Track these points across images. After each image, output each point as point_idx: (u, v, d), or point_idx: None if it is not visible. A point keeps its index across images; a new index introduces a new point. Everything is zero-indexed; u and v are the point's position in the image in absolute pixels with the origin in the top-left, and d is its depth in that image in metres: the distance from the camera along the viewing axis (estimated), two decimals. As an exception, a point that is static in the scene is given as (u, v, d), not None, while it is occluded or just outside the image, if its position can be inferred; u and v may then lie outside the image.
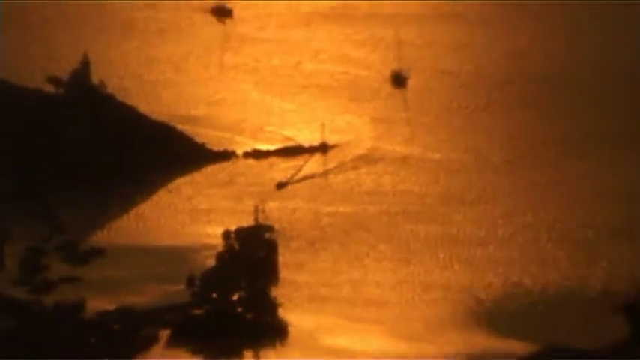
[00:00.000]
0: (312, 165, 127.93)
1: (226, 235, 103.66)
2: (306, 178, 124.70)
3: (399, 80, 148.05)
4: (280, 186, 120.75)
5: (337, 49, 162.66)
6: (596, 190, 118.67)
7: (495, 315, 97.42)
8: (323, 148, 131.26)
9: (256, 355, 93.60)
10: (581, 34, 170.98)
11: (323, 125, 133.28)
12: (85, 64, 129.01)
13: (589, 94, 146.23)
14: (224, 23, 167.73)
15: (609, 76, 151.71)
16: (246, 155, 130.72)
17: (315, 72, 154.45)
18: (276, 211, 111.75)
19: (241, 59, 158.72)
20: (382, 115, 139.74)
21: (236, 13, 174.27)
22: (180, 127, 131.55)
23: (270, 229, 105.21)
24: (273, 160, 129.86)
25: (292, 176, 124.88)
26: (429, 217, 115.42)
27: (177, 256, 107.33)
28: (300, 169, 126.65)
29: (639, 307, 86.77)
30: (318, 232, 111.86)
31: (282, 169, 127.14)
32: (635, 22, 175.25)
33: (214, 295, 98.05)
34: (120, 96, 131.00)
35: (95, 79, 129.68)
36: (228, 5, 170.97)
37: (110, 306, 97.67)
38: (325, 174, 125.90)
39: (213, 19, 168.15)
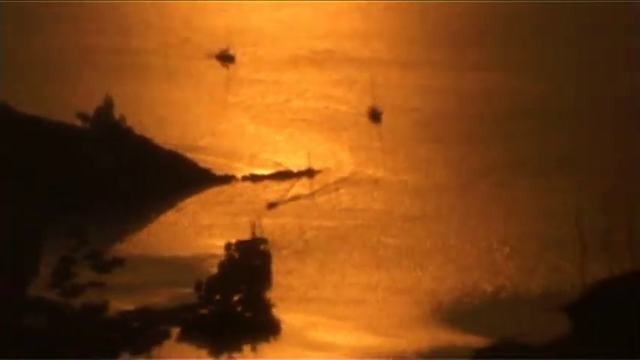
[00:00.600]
0: (300, 187, 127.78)
1: (227, 246, 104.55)
2: (294, 198, 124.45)
3: (374, 115, 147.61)
4: (271, 205, 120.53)
5: (320, 88, 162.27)
6: (537, 208, 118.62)
7: (455, 314, 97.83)
8: (309, 173, 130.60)
9: (254, 349, 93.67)
10: (538, 74, 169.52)
11: (309, 153, 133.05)
12: (108, 102, 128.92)
13: (536, 125, 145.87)
14: (227, 68, 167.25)
15: (558, 109, 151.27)
16: (244, 179, 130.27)
17: (302, 108, 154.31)
18: (269, 226, 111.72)
19: (240, 98, 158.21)
20: (359, 145, 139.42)
21: (237, 58, 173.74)
22: (187, 154, 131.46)
23: (264, 241, 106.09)
24: (267, 182, 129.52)
25: (282, 196, 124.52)
26: (397, 231, 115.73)
27: (185, 264, 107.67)
28: (289, 190, 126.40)
29: (579, 308, 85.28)
30: (304, 243, 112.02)
31: (274, 190, 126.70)
32: (584, 61, 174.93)
33: (218, 297, 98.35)
34: (137, 129, 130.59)
35: (116, 115, 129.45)
36: (232, 52, 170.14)
37: (129, 307, 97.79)
38: (311, 194, 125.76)
39: (218, 64, 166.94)
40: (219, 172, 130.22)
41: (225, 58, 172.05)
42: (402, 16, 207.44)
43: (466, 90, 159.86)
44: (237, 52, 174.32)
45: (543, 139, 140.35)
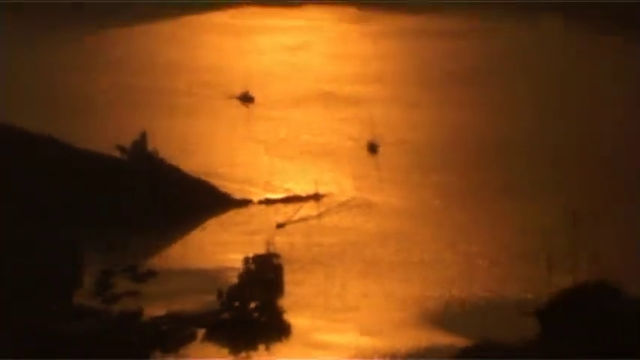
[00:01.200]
0: (307, 209, 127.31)
1: (245, 260, 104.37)
2: (302, 219, 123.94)
3: (372, 148, 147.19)
4: (280, 226, 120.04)
5: (325, 124, 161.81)
6: (511, 226, 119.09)
7: (439, 318, 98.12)
8: (315, 197, 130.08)
9: (267, 349, 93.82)
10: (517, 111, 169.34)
11: (315, 180, 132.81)
12: (143, 136, 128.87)
13: (513, 156, 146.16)
14: (247, 107, 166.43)
15: (537, 144, 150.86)
16: (259, 202, 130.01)
17: (309, 141, 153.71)
18: (281, 243, 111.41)
19: (256, 132, 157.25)
20: (359, 174, 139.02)
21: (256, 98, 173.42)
22: (210, 181, 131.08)
23: (277, 256, 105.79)
24: (279, 206, 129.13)
25: (291, 217, 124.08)
26: (389, 247, 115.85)
27: (209, 275, 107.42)
28: (298, 211, 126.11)
29: (547, 313, 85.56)
30: (311, 258, 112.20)
31: (285, 212, 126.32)
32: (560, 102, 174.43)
33: (237, 304, 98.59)
34: (167, 159, 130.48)
35: (150, 147, 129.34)
36: (251, 93, 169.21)
37: (160, 312, 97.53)
38: (317, 216, 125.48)
39: (239, 103, 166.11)
40: (237, 197, 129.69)
41: (246, 99, 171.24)
42: (400, 59, 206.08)
43: (454, 124, 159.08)
44: (256, 92, 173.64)
45: (519, 167, 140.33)
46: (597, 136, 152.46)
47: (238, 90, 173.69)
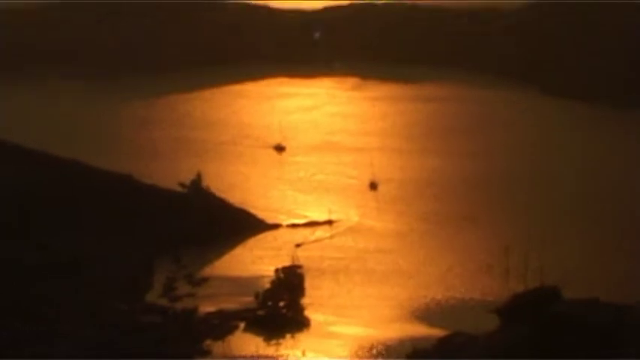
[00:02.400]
0: (322, 232, 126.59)
1: (276, 270, 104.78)
2: (318, 240, 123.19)
3: (373, 186, 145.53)
4: (298, 245, 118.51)
5: (335, 166, 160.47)
6: (477, 245, 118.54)
7: (422, 314, 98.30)
8: (328, 223, 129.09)
9: (292, 337, 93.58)
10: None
11: (329, 210, 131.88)
12: (199, 176, 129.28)
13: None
14: (280, 154, 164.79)
15: (491, 179, 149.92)
16: (287, 226, 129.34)
17: (323, 180, 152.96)
18: (303, 257, 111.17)
19: (284, 173, 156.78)
20: (362, 205, 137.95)
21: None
22: (249, 210, 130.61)
23: (300, 267, 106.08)
24: (301, 229, 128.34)
25: (307, 238, 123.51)
26: (384, 260, 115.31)
27: (248, 282, 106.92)
28: (314, 234, 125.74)
29: (504, 311, 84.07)
30: (324, 269, 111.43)
31: (304, 234, 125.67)
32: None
33: (270, 303, 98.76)
34: (217, 193, 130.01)
35: (204, 184, 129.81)
36: (283, 144, 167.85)
37: (211, 309, 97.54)
38: (329, 237, 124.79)
39: (274, 152, 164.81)
40: (269, 222, 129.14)
41: (279, 149, 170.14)
42: (393, 118, 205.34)
43: (433, 167, 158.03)
44: (287, 144, 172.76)
45: (483, 200, 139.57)
46: (544, 174, 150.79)
47: (271, 141, 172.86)
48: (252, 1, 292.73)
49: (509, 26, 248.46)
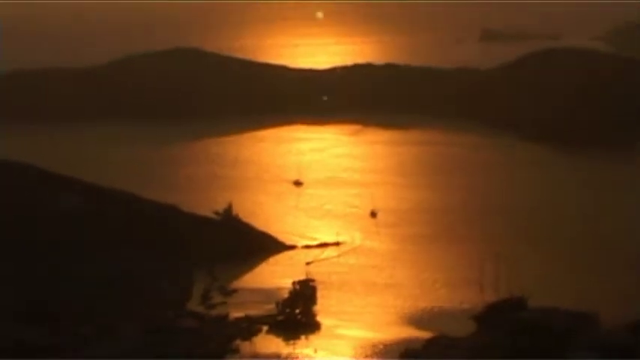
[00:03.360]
0: (330, 252, 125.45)
1: (293, 283, 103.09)
2: (327, 258, 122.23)
3: (373, 214, 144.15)
4: (308, 263, 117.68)
5: (341, 198, 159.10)
6: (457, 262, 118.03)
7: (412, 319, 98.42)
8: (336, 244, 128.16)
9: (306, 338, 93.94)
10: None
11: (336, 233, 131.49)
12: (230, 206, 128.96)
13: (455, 217, 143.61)
14: (299, 187, 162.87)
15: (469, 207, 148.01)
16: (301, 247, 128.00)
17: (332, 209, 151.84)
18: (314, 273, 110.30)
19: (299, 203, 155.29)
20: (364, 230, 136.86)
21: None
22: (271, 233, 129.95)
23: (312, 280, 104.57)
24: (313, 249, 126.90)
25: (317, 257, 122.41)
26: (381, 275, 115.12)
27: (270, 292, 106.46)
28: (323, 253, 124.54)
29: (480, 318, 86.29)
30: (332, 282, 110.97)
31: (316, 254, 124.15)
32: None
33: (288, 310, 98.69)
34: (245, 220, 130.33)
35: (234, 212, 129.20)
36: (301, 180, 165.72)
37: (239, 315, 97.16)
38: (337, 256, 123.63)
39: (293, 187, 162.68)
40: (287, 243, 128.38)
41: (298, 183, 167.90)
42: (389, 158, 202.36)
43: (423, 199, 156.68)
44: (304, 179, 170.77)
45: (463, 225, 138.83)
46: (515, 205, 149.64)
47: (290, 177, 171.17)
48: (274, 62, 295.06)
49: (487, 81, 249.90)
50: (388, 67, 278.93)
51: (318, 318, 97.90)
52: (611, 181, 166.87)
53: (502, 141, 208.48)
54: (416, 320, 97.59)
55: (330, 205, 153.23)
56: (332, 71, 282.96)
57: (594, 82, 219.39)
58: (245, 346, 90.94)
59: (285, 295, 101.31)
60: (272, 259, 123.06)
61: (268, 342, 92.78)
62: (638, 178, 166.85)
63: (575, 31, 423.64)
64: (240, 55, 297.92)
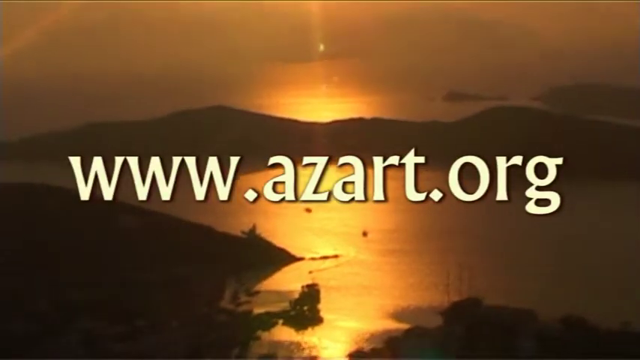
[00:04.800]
0: (329, 263, 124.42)
1: (302, 287, 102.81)
2: (327, 267, 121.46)
3: (365, 234, 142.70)
4: (310, 272, 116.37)
5: (338, 220, 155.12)
6: (429, 271, 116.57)
7: (396, 315, 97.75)
8: (335, 256, 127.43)
9: (312, 329, 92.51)
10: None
11: (335, 248, 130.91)
12: (254, 227, 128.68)
13: (425, 236, 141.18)
14: (309, 214, 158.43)
15: (437, 229, 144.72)
16: (308, 259, 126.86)
17: (332, 229, 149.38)
18: (318, 278, 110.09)
19: (307, 224, 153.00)
20: (357, 246, 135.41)
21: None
22: (286, 248, 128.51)
23: (317, 285, 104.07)
24: (317, 261, 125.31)
25: (320, 266, 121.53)
26: (371, 281, 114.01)
27: (284, 294, 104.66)
28: (323, 264, 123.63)
29: (447, 313, 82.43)
30: (332, 286, 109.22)
31: (319, 264, 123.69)
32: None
33: (297, 307, 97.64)
34: (265, 237, 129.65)
35: (258, 232, 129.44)
36: (311, 208, 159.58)
37: (261, 311, 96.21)
38: (335, 266, 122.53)
39: (304, 212, 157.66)
40: (297, 256, 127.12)
41: (308, 211, 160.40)
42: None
43: (408, 220, 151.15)
44: (312, 207, 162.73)
45: (431, 241, 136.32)
46: (473, 224, 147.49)
47: (302, 205, 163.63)
48: (287, 116, 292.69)
49: (448, 131, 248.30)
50: (375, 120, 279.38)
51: (322, 313, 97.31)
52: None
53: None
54: (396, 315, 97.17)
55: (331, 227, 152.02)
56: (331, 124, 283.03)
57: (532, 133, 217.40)
58: (265, 335, 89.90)
59: (296, 295, 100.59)
60: (285, 268, 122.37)
61: (283, 332, 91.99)
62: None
63: (519, 92, 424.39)
64: (263, 111, 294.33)
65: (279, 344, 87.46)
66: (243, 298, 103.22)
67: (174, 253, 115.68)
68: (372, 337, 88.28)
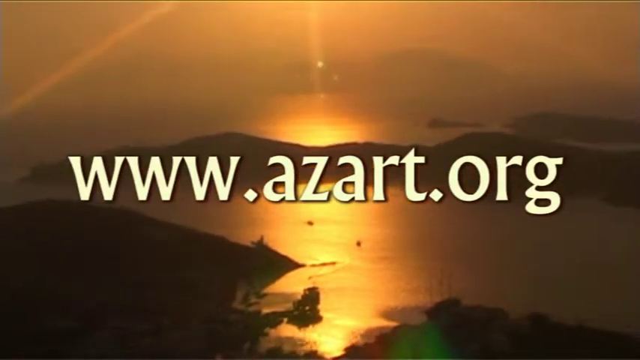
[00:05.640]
0: (327, 269, 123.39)
1: (304, 289, 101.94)
2: (326, 273, 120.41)
3: (358, 243, 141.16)
4: (310, 277, 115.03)
5: (336, 232, 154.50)
6: (413, 277, 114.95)
7: (386, 313, 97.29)
8: (332, 264, 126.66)
9: (313, 326, 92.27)
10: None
11: (332, 256, 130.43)
12: (262, 238, 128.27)
13: (410, 246, 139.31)
14: (311, 226, 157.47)
15: (420, 240, 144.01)
16: (309, 265, 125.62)
17: (330, 241, 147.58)
18: (318, 282, 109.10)
19: (308, 235, 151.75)
20: (351, 255, 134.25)
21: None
22: (290, 256, 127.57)
23: (316, 288, 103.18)
24: (316, 267, 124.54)
25: (318, 272, 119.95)
26: (363, 284, 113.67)
27: (289, 295, 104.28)
28: (321, 270, 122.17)
29: (430, 312, 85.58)
30: (329, 289, 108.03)
31: (318, 270, 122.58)
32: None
33: (300, 307, 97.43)
34: (271, 247, 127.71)
35: (265, 242, 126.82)
36: (312, 221, 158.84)
37: (269, 311, 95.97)
38: (332, 272, 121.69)
39: (307, 225, 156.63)
40: (300, 262, 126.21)
41: (310, 223, 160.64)
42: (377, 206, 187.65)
43: (396, 235, 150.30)
44: (314, 220, 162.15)
45: (416, 251, 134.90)
46: (451, 235, 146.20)
47: (305, 219, 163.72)
48: (292, 141, 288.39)
49: (429, 154, 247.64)
50: (367, 144, 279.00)
51: (321, 313, 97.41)
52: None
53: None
54: (386, 314, 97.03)
55: (329, 238, 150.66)
56: (329, 147, 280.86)
57: (503, 154, 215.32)
58: (272, 332, 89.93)
59: (299, 297, 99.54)
60: (289, 274, 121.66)
61: (287, 329, 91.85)
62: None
63: (492, 120, 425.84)
64: (268, 137, 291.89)
65: (284, 339, 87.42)
66: (252, 299, 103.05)
67: (192, 261, 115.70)
68: (366, 333, 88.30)
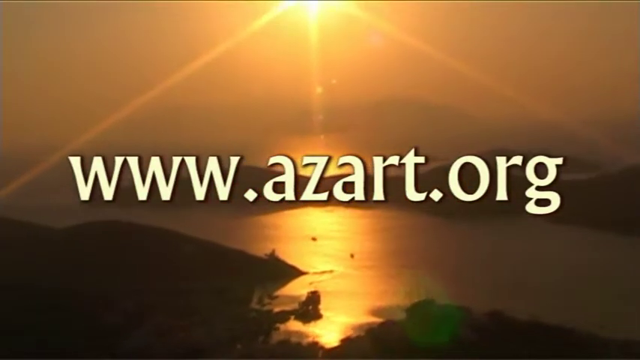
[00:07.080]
0: (326, 276, 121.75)
1: (307, 293, 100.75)
2: (324, 280, 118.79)
3: (352, 255, 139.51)
4: (311, 283, 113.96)
5: (333, 246, 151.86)
6: (397, 281, 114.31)
7: (374, 312, 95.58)
8: (330, 272, 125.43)
9: (315, 325, 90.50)
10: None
11: (329, 265, 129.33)
12: (273, 251, 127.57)
13: (397, 257, 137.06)
14: (315, 242, 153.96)
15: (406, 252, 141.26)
16: (311, 273, 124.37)
17: (328, 253, 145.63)
18: (318, 287, 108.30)
19: (311, 249, 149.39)
20: (346, 264, 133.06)
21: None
22: (296, 265, 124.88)
23: (317, 291, 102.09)
24: (317, 274, 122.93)
25: (317, 279, 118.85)
26: (356, 289, 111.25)
27: (295, 297, 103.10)
28: (320, 277, 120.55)
29: (409, 310, 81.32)
30: (328, 291, 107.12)
31: (317, 277, 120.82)
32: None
33: (304, 307, 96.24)
34: (282, 259, 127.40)
35: (276, 254, 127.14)
36: (316, 237, 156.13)
37: (278, 310, 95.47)
38: (330, 278, 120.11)
39: (310, 240, 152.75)
40: (303, 271, 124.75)
41: (314, 239, 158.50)
42: (361, 219, 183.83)
43: (386, 248, 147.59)
44: (318, 236, 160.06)
45: (407, 262, 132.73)
46: (431, 249, 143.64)
47: (309, 235, 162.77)
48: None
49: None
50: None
51: (321, 311, 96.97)
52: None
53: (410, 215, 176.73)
54: (374, 312, 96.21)
55: (327, 251, 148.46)
56: (329, 178, 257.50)
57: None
58: (282, 327, 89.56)
59: (303, 299, 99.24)
60: (295, 280, 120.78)
61: (294, 324, 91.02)
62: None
63: (460, 154, 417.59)
64: (274, 169, 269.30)
65: (291, 333, 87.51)
66: (266, 301, 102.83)
67: (218, 270, 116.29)
68: (358, 327, 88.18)
